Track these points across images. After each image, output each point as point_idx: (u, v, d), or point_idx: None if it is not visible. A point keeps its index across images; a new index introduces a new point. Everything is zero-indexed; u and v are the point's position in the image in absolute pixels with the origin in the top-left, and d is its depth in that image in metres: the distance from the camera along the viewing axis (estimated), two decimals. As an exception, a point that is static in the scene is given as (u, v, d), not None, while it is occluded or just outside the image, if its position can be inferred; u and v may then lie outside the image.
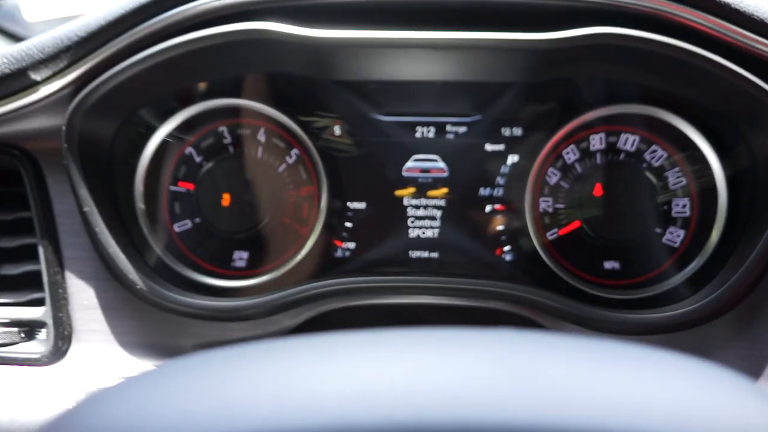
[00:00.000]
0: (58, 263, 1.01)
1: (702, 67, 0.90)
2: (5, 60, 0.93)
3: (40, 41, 0.93)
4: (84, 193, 0.96)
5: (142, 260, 1.03)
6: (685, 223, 1.05)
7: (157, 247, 1.08)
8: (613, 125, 1.05)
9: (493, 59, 0.97)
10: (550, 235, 1.07)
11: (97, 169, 0.99)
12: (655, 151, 1.04)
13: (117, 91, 0.94)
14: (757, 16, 0.88)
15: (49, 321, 1.01)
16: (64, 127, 0.94)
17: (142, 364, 1.02)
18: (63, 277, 1.02)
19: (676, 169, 1.04)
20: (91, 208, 0.97)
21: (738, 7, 0.88)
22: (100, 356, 1.01)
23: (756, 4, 0.88)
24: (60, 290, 1.01)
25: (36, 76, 0.93)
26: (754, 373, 0.97)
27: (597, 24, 0.89)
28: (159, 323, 1.03)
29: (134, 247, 1.04)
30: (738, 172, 1.02)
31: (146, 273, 1.01)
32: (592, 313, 1.00)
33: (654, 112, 1.03)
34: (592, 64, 0.98)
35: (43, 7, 1.86)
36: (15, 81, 0.94)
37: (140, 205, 1.07)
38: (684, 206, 1.05)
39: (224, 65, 1.00)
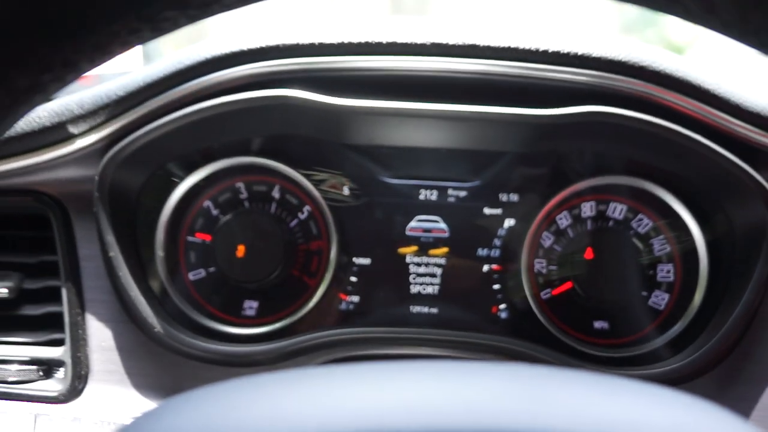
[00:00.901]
0: (80, 305, 1.06)
1: (685, 145, 0.99)
2: (46, 114, 1.00)
3: (79, 98, 1.00)
4: (111, 239, 1.02)
5: (160, 306, 1.09)
6: (669, 287, 1.12)
7: (173, 294, 1.13)
8: (602, 194, 1.13)
9: (495, 130, 1.06)
10: (544, 295, 1.13)
11: (123, 217, 1.06)
12: (641, 220, 1.12)
13: (148, 147, 1.01)
14: (733, 101, 0.98)
15: (68, 360, 1.05)
16: (97, 177, 1.01)
17: (154, 406, 1.06)
18: (83, 319, 1.07)
19: (661, 236, 1.12)
20: (116, 253, 1.03)
21: (716, 93, 0.97)
22: (115, 396, 1.05)
23: (732, 90, 0.99)
24: (80, 331, 1.06)
25: (73, 130, 1.01)
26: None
27: (591, 103, 0.99)
28: (172, 366, 1.07)
29: (152, 292, 1.09)
30: (718, 241, 1.10)
31: (163, 317, 1.06)
32: (581, 369, 1.05)
33: (640, 183, 1.12)
34: (584, 139, 1.07)
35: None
36: (53, 133, 1.01)
37: (160, 252, 1.13)
38: (668, 271, 1.12)
39: (247, 127, 1.08)
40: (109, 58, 0.48)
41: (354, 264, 1.15)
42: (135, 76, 1.00)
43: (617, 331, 1.12)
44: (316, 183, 1.14)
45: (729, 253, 1.07)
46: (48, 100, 0.43)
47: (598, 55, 0.97)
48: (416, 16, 1.07)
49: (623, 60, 0.97)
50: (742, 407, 1.04)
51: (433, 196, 1.15)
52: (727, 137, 0.99)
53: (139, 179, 1.07)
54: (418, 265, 1.15)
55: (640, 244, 1.11)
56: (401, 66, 0.99)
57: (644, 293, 1.12)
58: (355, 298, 1.15)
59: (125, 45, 0.47)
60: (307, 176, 1.14)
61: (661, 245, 1.12)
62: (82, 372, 1.05)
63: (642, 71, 0.97)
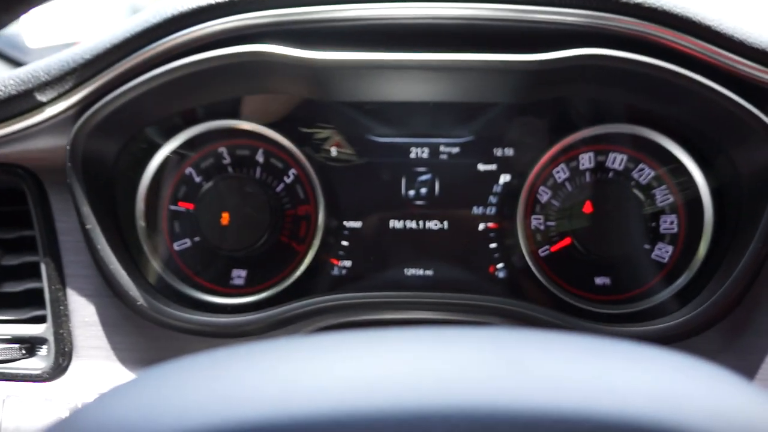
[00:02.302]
0: (60, 281, 1.03)
1: (685, 87, 0.93)
2: (12, 82, 0.96)
3: (46, 64, 0.96)
4: (87, 210, 0.98)
5: (143, 277, 1.05)
6: (672, 239, 1.07)
7: (157, 265, 1.09)
8: (601, 144, 1.08)
9: (484, 80, 1.01)
10: (542, 252, 1.09)
11: (100, 188, 1.02)
12: (642, 170, 1.07)
13: (121, 112, 0.96)
14: (736, 38, 0.92)
15: (50, 338, 1.02)
16: (68, 147, 0.97)
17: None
18: (64, 294, 1.03)
19: (663, 186, 1.07)
20: (93, 225, 0.99)
21: (718, 30, 0.92)
22: (100, 372, 1.02)
23: (735, 26, 0.93)
24: (61, 307, 1.02)
25: (42, 98, 0.96)
26: (743, 384, 0.99)
27: (585, 46, 0.93)
28: (158, 340, 1.04)
29: (135, 264, 1.05)
30: (723, 188, 1.05)
31: (146, 290, 1.02)
32: (584, 327, 1.02)
33: (640, 131, 1.07)
34: (579, 85, 1.01)
35: (44, 33, 1.90)
36: (21, 102, 0.96)
37: (141, 222, 1.09)
38: (672, 223, 1.07)
39: (225, 87, 1.03)
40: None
41: (345, 228, 1.11)
42: (102, 37, 0.95)
43: (619, 286, 1.08)
44: (302, 145, 1.10)
45: (735, 200, 1.03)
46: None
47: (590, -7, 0.91)
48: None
49: None
50: (752, 359, 1.00)
51: (425, 153, 1.10)
52: (730, 77, 0.93)
53: (114, 147, 1.03)
54: (412, 225, 1.10)
55: (641, 195, 1.06)
56: (381, 14, 0.93)
57: (647, 246, 1.08)
58: (347, 263, 1.11)
59: None
60: (291, 139, 1.10)
61: (663, 196, 1.07)
62: (66, 349, 1.02)
63: (638, 9, 0.91)
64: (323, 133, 1.10)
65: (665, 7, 0.91)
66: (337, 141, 1.10)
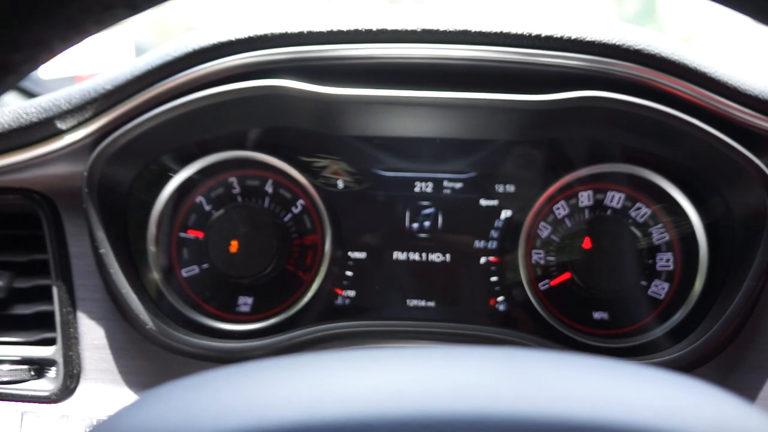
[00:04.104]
0: (71, 304, 1.05)
1: (681, 129, 0.97)
2: (33, 110, 0.99)
3: (67, 93, 0.99)
4: (101, 235, 1.01)
5: (152, 302, 1.07)
6: (669, 276, 1.10)
7: (166, 290, 1.12)
8: (599, 183, 1.11)
9: (489, 118, 1.04)
10: (542, 286, 1.12)
11: (114, 213, 1.04)
12: (639, 208, 1.11)
13: (138, 141, 1.00)
14: (731, 84, 0.96)
15: (60, 360, 1.03)
16: (85, 173, 1.00)
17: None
18: (75, 317, 1.05)
19: (660, 225, 1.10)
20: (106, 250, 1.01)
21: (714, 76, 0.96)
22: (107, 395, 1.04)
23: (730, 73, 0.97)
24: (71, 330, 1.04)
25: (62, 125, 0.99)
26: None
27: (586, 88, 0.97)
28: (166, 364, 1.06)
29: (144, 289, 1.08)
30: (717, 227, 1.08)
31: (155, 314, 1.04)
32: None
33: (637, 170, 1.10)
34: (579, 125, 1.05)
35: (56, 66, 1.95)
36: (41, 129, 1.00)
37: (152, 248, 1.11)
38: (668, 260, 1.10)
39: (239, 119, 1.06)
40: (83, 38, 0.46)
41: (349, 258, 1.13)
42: (123, 69, 0.99)
43: (617, 321, 1.11)
44: (310, 177, 1.13)
45: (729, 239, 1.06)
46: (20, 80, 0.42)
47: (593, 39, 0.95)
48: (409, 3, 1.06)
49: (618, 44, 0.95)
50: (746, 395, 1.02)
51: (429, 188, 1.14)
52: (725, 121, 0.97)
53: (129, 174, 1.06)
54: (415, 257, 1.13)
55: (638, 233, 1.10)
56: (392, 53, 0.97)
57: (644, 282, 1.10)
58: (351, 293, 1.13)
59: (99, 23, 0.45)
60: (300, 170, 1.13)
61: (660, 234, 1.10)
62: (74, 371, 1.04)
63: (637, 55, 0.95)
64: (331, 165, 1.13)
65: (663, 54, 0.95)
66: (344, 173, 1.13)
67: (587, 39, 0.95)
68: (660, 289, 1.10)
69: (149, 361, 1.06)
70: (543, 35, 0.95)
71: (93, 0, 0.43)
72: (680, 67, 0.96)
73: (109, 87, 0.98)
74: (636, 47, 0.95)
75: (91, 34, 0.46)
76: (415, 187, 1.14)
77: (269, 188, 1.13)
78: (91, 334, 1.05)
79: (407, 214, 1.14)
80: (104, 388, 1.05)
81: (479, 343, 1.07)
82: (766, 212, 0.97)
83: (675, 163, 1.08)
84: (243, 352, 1.04)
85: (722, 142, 0.97)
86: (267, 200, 1.13)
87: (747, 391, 1.03)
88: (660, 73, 0.96)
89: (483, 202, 1.13)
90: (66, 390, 1.03)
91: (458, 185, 1.13)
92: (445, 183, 1.14)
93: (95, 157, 1.00)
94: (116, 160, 1.01)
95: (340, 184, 1.13)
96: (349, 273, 1.13)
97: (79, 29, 0.45)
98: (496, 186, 1.13)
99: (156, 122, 0.98)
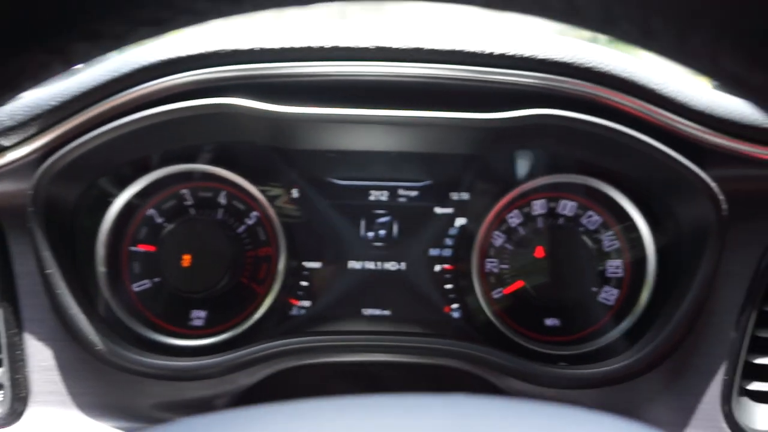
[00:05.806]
0: (17, 324, 1.02)
1: (631, 145, 0.99)
2: (-27, 126, 0.95)
3: (10, 109, 0.95)
4: (47, 254, 0.98)
5: (101, 321, 1.05)
6: (618, 283, 1.13)
7: (116, 308, 1.09)
8: (553, 192, 1.13)
9: (443, 134, 1.05)
10: (495, 294, 1.13)
11: (60, 232, 1.01)
12: (590, 216, 1.13)
13: (85, 158, 0.97)
14: (678, 100, 0.98)
15: (6, 383, 1.00)
16: (30, 192, 0.97)
17: (98, 426, 1.02)
18: (21, 339, 1.02)
19: (610, 232, 1.13)
20: (53, 269, 0.99)
21: (662, 92, 0.98)
22: (57, 418, 1.01)
23: (678, 88, 0.99)
24: (18, 352, 1.01)
25: (5, 142, 0.96)
26: (681, 422, 1.05)
27: (539, 106, 0.98)
28: (117, 384, 1.04)
29: (93, 308, 1.05)
30: (666, 238, 1.11)
31: (105, 334, 1.02)
32: (534, 369, 1.05)
33: (590, 182, 1.12)
34: (532, 141, 1.07)
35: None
36: (-18, 146, 0.96)
37: (101, 268, 1.08)
38: (617, 267, 1.13)
39: (190, 135, 1.04)
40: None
41: (304, 268, 1.13)
42: (68, 84, 0.95)
43: (568, 327, 1.13)
44: (263, 188, 1.11)
45: (676, 249, 1.09)
46: None
47: (544, 57, 0.96)
48: (361, 19, 1.05)
49: (569, 62, 0.96)
50: (690, 399, 1.06)
51: (384, 196, 1.14)
52: (672, 136, 0.99)
53: (75, 192, 1.03)
54: (370, 266, 1.13)
55: (589, 241, 1.12)
56: (345, 71, 0.96)
57: (594, 289, 1.13)
58: (306, 303, 1.13)
59: (34, 79, 0.44)
60: (253, 182, 1.11)
61: (610, 241, 1.13)
62: (22, 394, 1.01)
63: (588, 72, 0.96)
64: (285, 176, 1.12)
65: (613, 72, 0.96)
66: (298, 184, 1.12)
67: (539, 57, 0.96)
68: (610, 295, 1.13)
69: (100, 381, 1.04)
70: (496, 53, 0.96)
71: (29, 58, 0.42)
72: (629, 84, 0.97)
73: (54, 103, 0.95)
74: (587, 65, 0.96)
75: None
76: (370, 195, 1.13)
77: (223, 200, 1.12)
78: (39, 356, 1.02)
79: (362, 223, 1.13)
80: (54, 411, 1.02)
81: (432, 355, 1.07)
82: (712, 225, 1.00)
83: (626, 176, 1.10)
84: (196, 370, 1.03)
85: (668, 157, 0.99)
86: (220, 212, 1.11)
87: (691, 396, 1.06)
88: (610, 90, 0.97)
89: (438, 210, 1.14)
90: (14, 414, 1.00)
91: (413, 193, 1.14)
92: (400, 191, 1.14)
93: (40, 174, 0.96)
94: (62, 178, 0.98)
95: (295, 194, 1.12)
96: (303, 283, 1.13)
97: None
98: (451, 194, 1.13)
99: (103, 140, 0.96)
